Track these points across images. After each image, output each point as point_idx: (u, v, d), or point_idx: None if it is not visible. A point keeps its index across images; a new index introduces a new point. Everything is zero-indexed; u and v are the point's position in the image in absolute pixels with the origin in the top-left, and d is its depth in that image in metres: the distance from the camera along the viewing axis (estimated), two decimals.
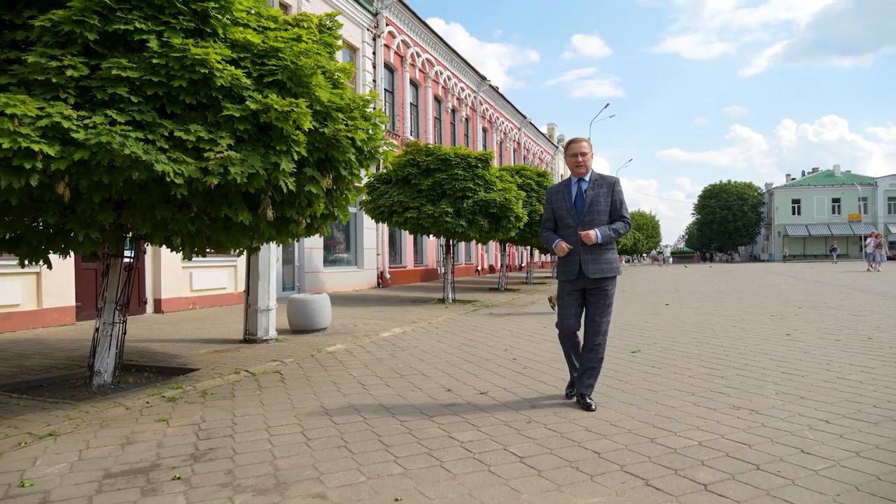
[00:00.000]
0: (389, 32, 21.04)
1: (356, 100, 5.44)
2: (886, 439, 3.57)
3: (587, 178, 4.49)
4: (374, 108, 5.73)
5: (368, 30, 19.50)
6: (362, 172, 5.68)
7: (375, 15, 20.01)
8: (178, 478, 3.18)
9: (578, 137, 4.55)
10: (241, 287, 13.18)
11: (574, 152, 4.47)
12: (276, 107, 4.35)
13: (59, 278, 9.15)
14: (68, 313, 9.48)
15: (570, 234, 4.43)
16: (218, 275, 12.73)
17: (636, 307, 12.59)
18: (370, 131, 5.51)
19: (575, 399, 4.56)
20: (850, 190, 67.97)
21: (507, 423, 4.09)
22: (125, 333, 5.56)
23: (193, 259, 5.78)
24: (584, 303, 4.51)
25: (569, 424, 4.01)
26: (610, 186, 4.46)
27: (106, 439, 3.85)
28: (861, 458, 3.27)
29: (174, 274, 11.54)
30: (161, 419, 4.29)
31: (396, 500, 2.84)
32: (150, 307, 11.22)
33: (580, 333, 4.60)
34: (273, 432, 3.97)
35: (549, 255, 37.54)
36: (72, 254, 5.23)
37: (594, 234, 4.30)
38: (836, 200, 68.81)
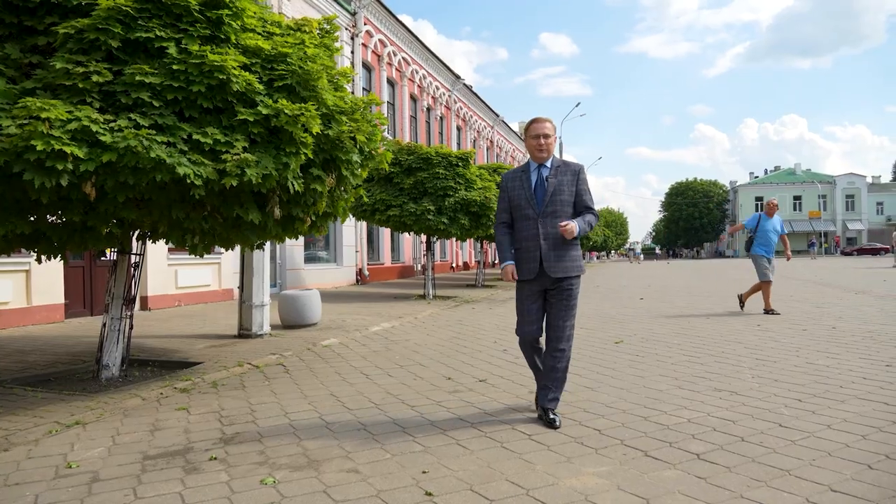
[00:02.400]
0: (367, 31, 21.21)
1: (358, 102, 5.69)
2: (853, 413, 3.98)
3: (549, 164, 4.00)
4: (374, 111, 5.99)
5: (347, 29, 19.65)
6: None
7: (354, 14, 20.18)
8: (215, 458, 3.42)
9: (541, 117, 4.01)
10: (226, 284, 13.30)
11: (536, 133, 3.97)
12: (286, 111, 4.58)
13: (48, 276, 9.20)
14: (57, 311, 9.53)
15: (530, 227, 3.94)
16: (202, 272, 12.82)
17: (614, 302, 13.04)
18: (371, 131, 5.78)
19: (538, 415, 4.05)
20: (811, 188, 70.23)
21: (511, 406, 4.41)
22: (132, 328, 5.73)
23: (178, 257, 5.99)
24: (544, 305, 4.03)
25: (567, 407, 4.34)
26: (574, 174, 3.98)
27: (133, 426, 4.06)
28: (832, 430, 3.67)
29: (160, 271, 11.62)
30: (181, 408, 4.50)
31: (424, 472, 3.14)
32: (136, 304, 11.26)
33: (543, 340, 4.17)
34: (292, 418, 4.22)
35: None
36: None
37: (575, 228, 3.79)
38: (797, 198, 71.05)
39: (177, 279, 12.07)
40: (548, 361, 4.00)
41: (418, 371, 5.76)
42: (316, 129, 4.68)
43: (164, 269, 11.72)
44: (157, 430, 3.97)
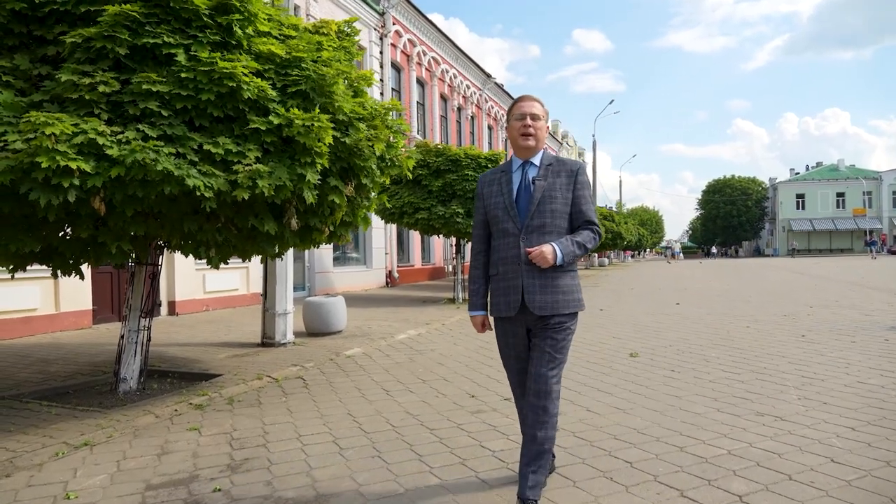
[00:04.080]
0: (396, 31, 21.05)
1: (378, 108, 5.48)
2: None
3: (537, 159, 3.02)
4: (396, 116, 5.77)
5: (375, 29, 19.52)
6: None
7: (382, 14, 20.03)
8: (219, 489, 3.24)
9: (528, 95, 3.10)
10: (253, 288, 13.26)
11: (521, 113, 2.99)
12: (297, 121, 4.38)
13: (75, 282, 9.20)
14: (85, 317, 9.56)
15: (509, 247, 2.93)
16: (230, 276, 12.79)
17: (648, 306, 12.63)
18: (391, 138, 5.57)
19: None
20: (855, 184, 67.89)
21: None
22: (149, 340, 5.62)
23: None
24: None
25: (596, 432, 4.06)
26: (571, 175, 2.96)
27: (141, 449, 3.91)
28: (892, 467, 3.32)
29: (188, 276, 11.61)
30: (193, 427, 4.35)
31: None
32: (164, 309, 11.29)
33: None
34: (305, 441, 4.02)
35: None
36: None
37: (550, 253, 2.80)
38: (840, 195, 68.74)
39: (205, 284, 12.06)
40: (526, 425, 2.89)
41: (441, 387, 5.52)
42: (328, 138, 4.47)
43: (192, 274, 11.71)
44: (165, 454, 3.81)
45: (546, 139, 3.07)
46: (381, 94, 19.72)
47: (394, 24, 20.71)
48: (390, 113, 5.62)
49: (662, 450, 3.69)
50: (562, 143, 48.79)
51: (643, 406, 4.71)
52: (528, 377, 2.92)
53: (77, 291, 9.35)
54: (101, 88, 3.99)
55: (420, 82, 23.76)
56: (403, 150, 5.62)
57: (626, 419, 4.36)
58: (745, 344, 7.46)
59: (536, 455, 2.83)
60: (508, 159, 3.18)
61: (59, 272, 4.84)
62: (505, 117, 3.21)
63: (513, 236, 2.93)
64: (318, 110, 4.47)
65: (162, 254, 5.76)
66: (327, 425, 4.39)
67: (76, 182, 3.69)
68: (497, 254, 3.01)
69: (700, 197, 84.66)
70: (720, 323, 9.58)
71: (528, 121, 2.96)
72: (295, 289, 15.07)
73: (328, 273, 16.74)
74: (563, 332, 2.89)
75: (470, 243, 3.04)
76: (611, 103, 44.17)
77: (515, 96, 3.28)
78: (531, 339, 2.97)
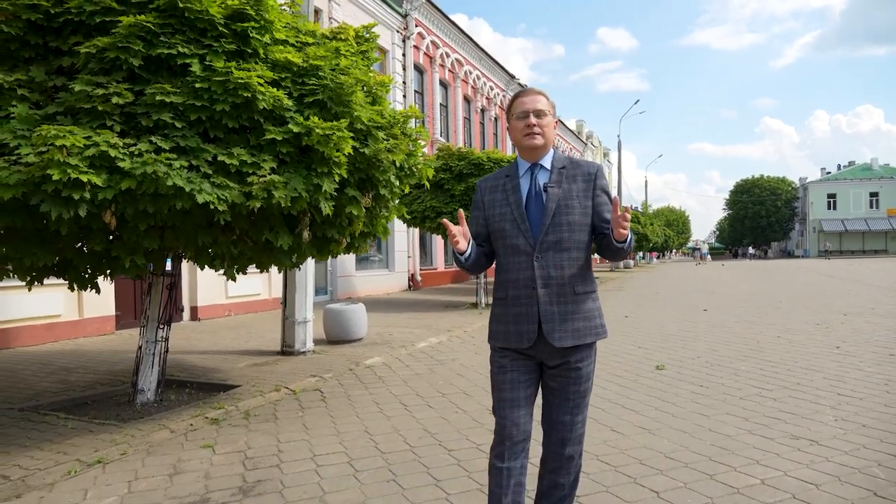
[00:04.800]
0: (419, 33, 20.96)
1: (396, 116, 5.37)
2: None
3: (547, 161, 2.53)
4: (415, 125, 5.65)
5: (398, 31, 19.45)
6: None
7: (405, 16, 19.95)
8: None
9: (531, 88, 2.59)
10: (275, 293, 13.25)
11: (524, 110, 2.49)
12: (317, 130, 4.29)
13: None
14: (108, 322, 9.60)
15: (521, 267, 2.44)
16: (252, 281, 12.79)
17: (674, 312, 12.35)
18: (410, 146, 5.45)
19: None
20: (889, 183, 66.19)
21: None
22: (167, 351, 5.57)
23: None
24: (537, 389, 2.55)
25: (622, 456, 3.89)
26: (589, 179, 2.49)
27: (153, 468, 3.84)
28: None
29: (210, 281, 11.62)
30: (206, 445, 4.27)
31: None
32: (186, 314, 11.32)
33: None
34: (320, 462, 3.92)
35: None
36: None
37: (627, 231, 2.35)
38: (873, 194, 67.03)
39: (227, 289, 12.07)
40: (546, 479, 2.55)
41: (461, 402, 5.38)
42: (347, 149, 4.37)
43: (214, 279, 11.71)
44: (177, 474, 3.73)
45: (554, 137, 2.60)
46: (404, 96, 19.64)
47: (416, 25, 20.62)
48: (409, 121, 5.51)
49: (691, 477, 3.51)
50: (586, 144, 48.30)
51: (670, 426, 4.52)
52: (546, 424, 2.50)
53: (100, 297, 9.35)
54: (115, 100, 3.93)
55: (443, 84, 23.64)
56: (422, 157, 5.49)
57: (653, 441, 4.18)
58: (776, 356, 7.20)
59: (558, 501, 2.54)
60: (512, 163, 2.66)
61: (74, 285, 4.79)
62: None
63: (524, 255, 2.42)
64: (342, 122, 4.35)
65: (180, 263, 5.71)
66: (343, 444, 4.28)
67: (87, 195, 3.63)
68: (504, 274, 2.50)
69: (728, 197, 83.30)
70: (750, 332, 9.29)
71: (532, 118, 2.45)
72: (316, 293, 15.07)
73: (350, 277, 16.70)
74: (586, 367, 2.44)
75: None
76: (636, 103, 43.64)
77: None
78: (544, 378, 2.50)
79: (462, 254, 2.45)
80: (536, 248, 2.41)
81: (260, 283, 13.09)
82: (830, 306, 12.79)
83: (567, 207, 2.42)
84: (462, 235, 2.44)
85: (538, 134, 2.46)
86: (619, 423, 4.63)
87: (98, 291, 5.08)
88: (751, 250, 75.46)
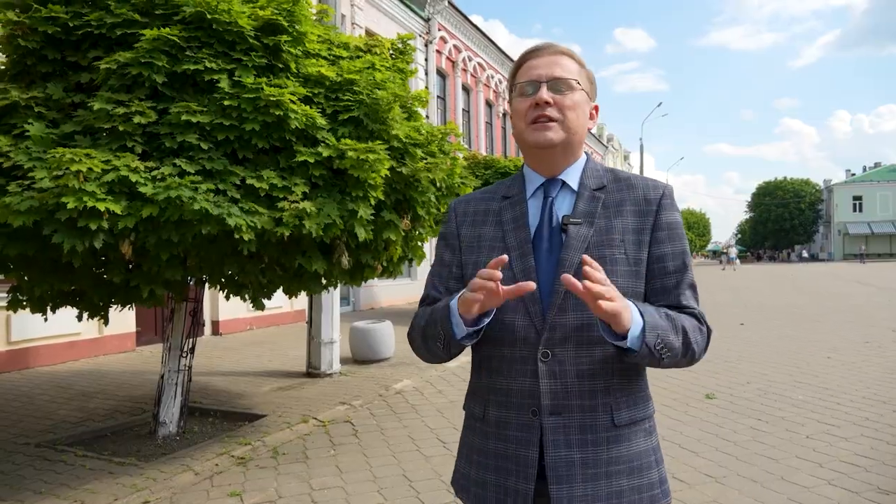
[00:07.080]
0: (441, 38, 20.64)
1: (434, 132, 5.02)
2: None
3: (573, 174, 1.47)
4: (452, 141, 5.30)
5: (420, 36, 19.14)
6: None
7: (427, 21, 19.65)
8: None
9: (545, 44, 1.45)
10: (297, 306, 12.96)
11: (532, 78, 1.40)
12: (350, 153, 3.93)
13: None
14: (129, 339, 9.35)
15: (514, 370, 1.39)
16: (275, 295, 12.49)
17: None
18: (450, 164, 5.10)
19: None
20: None
21: None
22: (190, 380, 5.27)
23: None
24: None
25: None
26: (647, 211, 1.43)
27: None
28: None
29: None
30: (234, 493, 3.94)
31: None
32: (207, 328, 11.06)
33: None
34: None
35: None
36: None
37: (624, 310, 1.22)
38: None
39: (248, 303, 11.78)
40: None
41: None
42: (384, 171, 4.02)
43: None
44: None
45: (587, 132, 1.48)
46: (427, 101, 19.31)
47: (439, 30, 20.30)
48: (447, 136, 5.16)
49: None
50: (607, 147, 47.49)
51: (738, 473, 4.11)
52: None
53: (120, 314, 9.12)
54: (137, 119, 3.63)
55: (465, 89, 23.29)
56: (461, 178, 5.15)
57: (723, 494, 3.78)
58: (832, 382, 6.74)
59: None
60: (516, 173, 1.57)
61: (85, 316, 4.51)
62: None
63: (524, 346, 1.37)
64: (378, 143, 4.00)
65: (203, 287, 5.41)
66: (382, 492, 3.93)
67: (105, 225, 3.32)
68: (485, 379, 1.46)
69: (749, 200, 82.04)
70: (795, 351, 8.81)
71: (545, 93, 1.37)
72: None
73: (372, 287, 16.39)
74: None
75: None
76: (659, 105, 42.83)
77: None
78: None
79: (471, 325, 1.33)
80: (544, 336, 1.36)
81: (282, 297, 12.76)
82: (875, 320, 12.23)
83: (602, 261, 1.32)
84: (490, 293, 1.24)
85: (555, 121, 1.38)
86: (682, 469, 4.23)
87: (106, 323, 4.78)
88: (804, 253, 72.73)
